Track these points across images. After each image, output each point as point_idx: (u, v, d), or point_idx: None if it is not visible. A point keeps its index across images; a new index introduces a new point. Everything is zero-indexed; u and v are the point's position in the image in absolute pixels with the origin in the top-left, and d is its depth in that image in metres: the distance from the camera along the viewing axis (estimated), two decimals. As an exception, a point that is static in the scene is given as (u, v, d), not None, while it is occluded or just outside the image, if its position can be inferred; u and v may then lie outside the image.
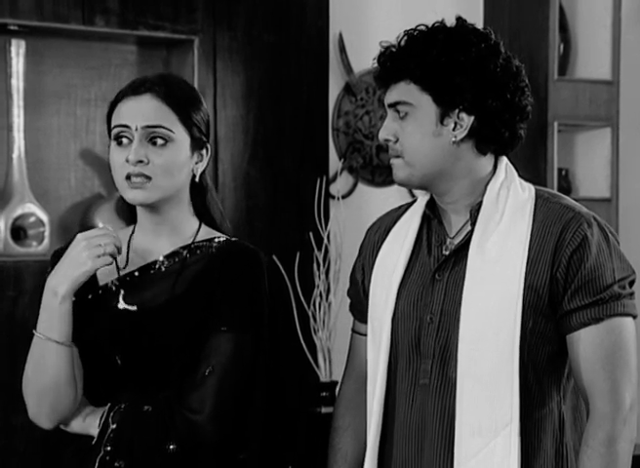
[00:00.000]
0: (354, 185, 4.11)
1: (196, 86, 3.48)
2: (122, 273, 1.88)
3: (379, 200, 4.17)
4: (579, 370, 1.72)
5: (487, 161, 1.81)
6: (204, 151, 1.91)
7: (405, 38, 1.80)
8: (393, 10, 4.17)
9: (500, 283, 1.72)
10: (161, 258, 1.88)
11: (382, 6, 4.14)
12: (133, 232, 1.92)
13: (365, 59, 4.12)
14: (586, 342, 1.71)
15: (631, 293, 1.75)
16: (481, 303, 1.72)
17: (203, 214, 1.94)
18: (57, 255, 1.89)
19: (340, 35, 4.01)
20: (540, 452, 1.73)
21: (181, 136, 1.85)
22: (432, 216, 1.86)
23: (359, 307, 1.96)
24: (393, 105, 1.79)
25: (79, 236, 1.81)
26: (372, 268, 1.90)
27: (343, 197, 4.02)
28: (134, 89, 1.87)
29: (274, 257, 3.53)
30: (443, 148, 1.77)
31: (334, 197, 3.95)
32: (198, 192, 1.92)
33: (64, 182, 3.46)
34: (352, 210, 4.06)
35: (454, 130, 1.76)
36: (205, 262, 1.87)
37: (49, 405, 1.81)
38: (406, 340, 1.80)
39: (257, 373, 1.85)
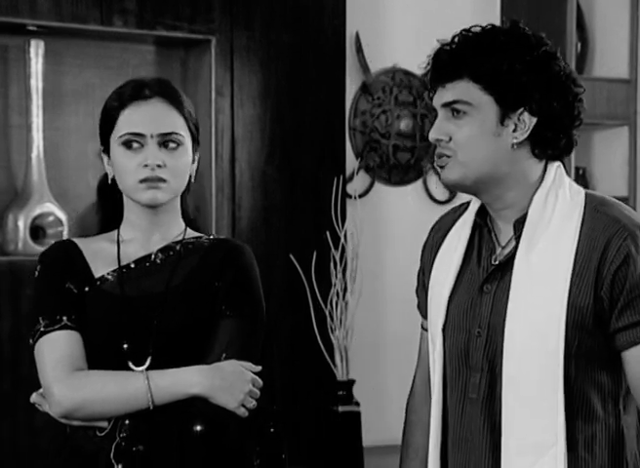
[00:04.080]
0: (371, 184, 4.12)
1: (213, 85, 3.49)
2: (117, 266, 1.92)
3: (395, 199, 4.17)
4: (635, 389, 1.69)
5: (539, 166, 1.75)
6: (197, 155, 1.98)
7: (462, 37, 1.73)
8: (410, 10, 4.17)
9: (544, 299, 1.68)
10: (155, 252, 1.93)
11: (399, 6, 4.15)
12: (119, 232, 1.96)
13: (381, 59, 4.12)
14: (638, 360, 1.68)
15: None
16: (525, 319, 1.69)
17: (184, 213, 2.00)
18: (44, 256, 1.93)
19: (357, 35, 4.02)
20: None
21: (188, 140, 1.92)
22: (483, 224, 1.80)
23: (424, 305, 1.94)
24: (449, 104, 1.73)
25: (249, 374, 1.86)
26: (430, 272, 1.88)
27: (360, 196, 4.03)
28: (138, 93, 1.91)
29: (291, 256, 3.54)
30: (501, 149, 1.71)
31: (350, 196, 3.95)
32: (185, 192, 2.00)
33: (83, 182, 3.48)
34: (369, 209, 4.07)
35: (514, 131, 1.71)
36: (201, 256, 1.94)
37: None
38: (455, 352, 1.78)
39: (265, 355, 1.93)
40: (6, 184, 3.35)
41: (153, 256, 1.93)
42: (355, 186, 4.02)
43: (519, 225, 1.74)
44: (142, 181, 1.88)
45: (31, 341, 1.89)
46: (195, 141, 1.95)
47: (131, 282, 1.90)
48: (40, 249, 3.27)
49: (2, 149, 3.35)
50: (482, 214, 1.82)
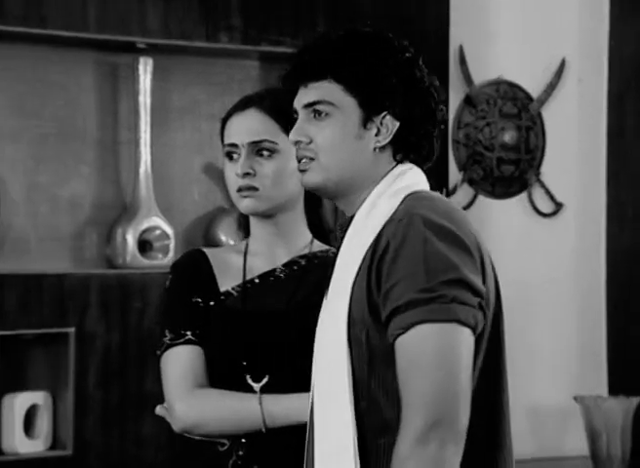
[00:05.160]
0: (474, 197, 4.09)
1: (317, 99, 3.51)
2: (242, 280, 1.94)
3: (499, 212, 4.13)
4: (399, 384, 1.53)
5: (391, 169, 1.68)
6: None
7: (326, 38, 1.68)
8: (514, 21, 4.13)
9: (338, 298, 1.60)
10: (280, 267, 1.94)
11: (504, 17, 4.11)
12: (247, 244, 1.98)
13: (486, 71, 4.09)
14: (397, 355, 1.53)
15: (441, 296, 1.51)
16: (324, 323, 1.62)
17: (315, 224, 1.99)
18: (175, 268, 1.97)
19: (461, 47, 4.00)
20: None
21: (287, 146, 1.90)
22: (338, 235, 1.72)
23: None
24: (311, 105, 1.67)
25: None
26: None
27: (463, 209, 4.00)
28: (240, 105, 1.96)
29: (394, 270, 3.53)
30: (363, 153, 1.66)
31: (454, 209, 3.93)
32: (311, 200, 1.99)
33: (189, 196, 3.54)
34: (472, 221, 4.02)
35: (376, 135, 1.66)
36: (325, 271, 1.91)
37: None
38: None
39: None
40: (115, 199, 3.42)
41: (278, 271, 1.94)
42: (458, 199, 3.99)
43: (340, 229, 1.68)
44: (238, 191, 1.92)
45: (158, 353, 1.94)
46: None
47: (254, 298, 1.91)
48: (147, 262, 3.34)
49: (112, 165, 3.43)
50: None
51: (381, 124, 1.65)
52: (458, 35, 3.93)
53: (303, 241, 1.97)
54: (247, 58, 3.57)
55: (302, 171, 1.68)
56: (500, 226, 4.12)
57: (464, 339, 1.53)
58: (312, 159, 1.66)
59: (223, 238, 3.45)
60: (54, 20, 3.21)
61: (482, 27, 4.08)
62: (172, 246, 3.37)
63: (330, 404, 1.59)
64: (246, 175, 1.90)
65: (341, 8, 3.61)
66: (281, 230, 1.95)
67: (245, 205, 1.92)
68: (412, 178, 1.67)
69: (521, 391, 4.09)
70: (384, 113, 1.65)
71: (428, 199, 1.63)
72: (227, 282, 1.94)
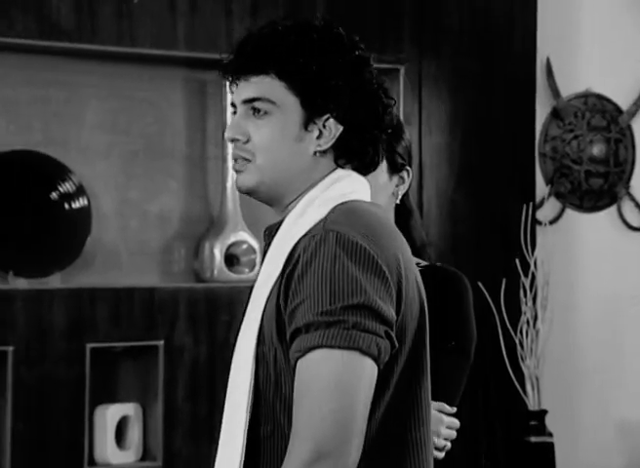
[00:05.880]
0: (562, 211, 4.04)
1: (402, 113, 3.53)
2: None
3: (587, 226, 4.08)
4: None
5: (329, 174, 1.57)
6: (404, 174, 1.97)
7: (272, 29, 1.55)
8: (602, 32, 4.08)
9: (252, 314, 1.51)
10: None
11: (591, 30, 4.07)
12: None
13: (573, 84, 4.05)
14: (295, 379, 1.43)
15: (341, 321, 1.40)
16: (239, 337, 1.53)
17: (405, 238, 1.99)
18: None
19: (548, 60, 3.97)
20: None
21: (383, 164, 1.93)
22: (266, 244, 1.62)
23: None
24: (250, 101, 1.54)
25: (442, 416, 1.87)
26: None
27: (551, 223, 3.96)
28: None
29: (479, 284, 3.52)
30: (302, 156, 1.54)
31: (540, 223, 3.89)
32: (401, 215, 1.99)
33: (274, 211, 3.57)
34: (560, 236, 3.99)
35: (318, 138, 1.54)
36: None
37: None
38: None
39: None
40: (203, 213, 3.48)
41: None
42: (545, 213, 3.95)
43: (268, 234, 1.58)
44: None
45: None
46: (395, 164, 1.95)
47: None
48: (234, 276, 3.38)
49: (199, 180, 3.49)
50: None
51: (324, 127, 1.53)
52: (545, 48, 3.91)
53: None
54: (332, 73, 3.59)
55: (237, 171, 1.56)
56: (589, 240, 4.07)
57: (364, 369, 1.40)
58: (248, 160, 1.54)
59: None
60: (144, 39, 3.29)
61: (569, 40, 4.05)
62: (258, 260, 3.41)
63: (230, 421, 1.52)
64: None
65: (428, 24, 3.62)
66: None
67: None
68: (348, 186, 1.55)
69: (611, 406, 4.03)
70: (328, 116, 1.53)
71: (354, 212, 1.50)
72: None
